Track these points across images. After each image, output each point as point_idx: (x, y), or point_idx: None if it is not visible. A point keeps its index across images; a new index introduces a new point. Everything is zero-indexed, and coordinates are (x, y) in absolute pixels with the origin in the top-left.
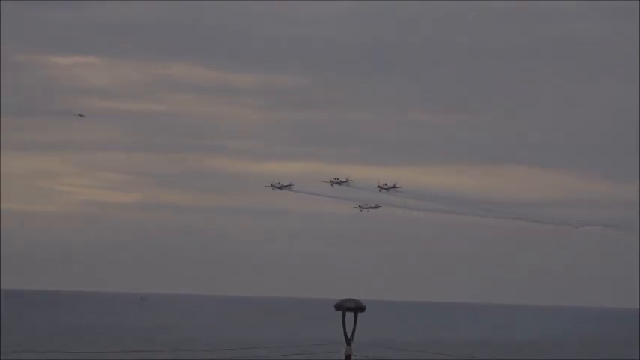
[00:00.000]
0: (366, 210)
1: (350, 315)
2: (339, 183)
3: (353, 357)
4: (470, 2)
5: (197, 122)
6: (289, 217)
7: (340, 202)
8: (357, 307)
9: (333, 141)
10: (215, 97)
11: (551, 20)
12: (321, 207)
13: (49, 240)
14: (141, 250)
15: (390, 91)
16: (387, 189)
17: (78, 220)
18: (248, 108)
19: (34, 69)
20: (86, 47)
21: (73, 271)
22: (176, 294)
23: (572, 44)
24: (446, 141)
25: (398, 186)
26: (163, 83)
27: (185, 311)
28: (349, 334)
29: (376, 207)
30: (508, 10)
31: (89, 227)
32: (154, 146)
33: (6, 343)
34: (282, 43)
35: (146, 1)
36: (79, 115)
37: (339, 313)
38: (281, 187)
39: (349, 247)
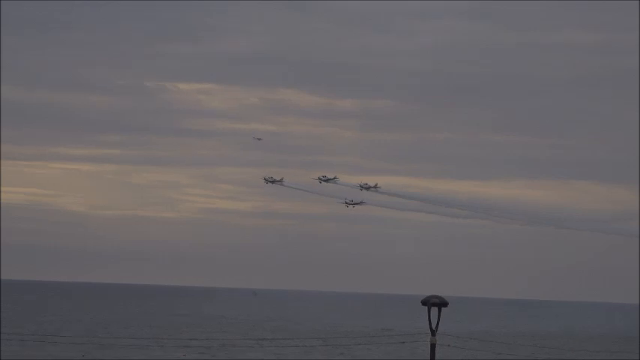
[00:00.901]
0: (351, 206)
1: (434, 310)
2: (327, 180)
3: (437, 345)
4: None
5: (300, 141)
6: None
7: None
8: (441, 303)
9: (417, 158)
10: (316, 119)
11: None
12: (404, 215)
13: (173, 241)
14: (252, 251)
15: (467, 116)
16: (368, 188)
17: (197, 225)
18: (346, 129)
19: (162, 94)
20: (205, 76)
21: (191, 268)
22: (284, 289)
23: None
24: (519, 158)
25: (378, 186)
26: (271, 107)
27: (290, 304)
28: (434, 326)
29: (361, 203)
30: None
31: (207, 231)
32: (263, 161)
33: (159, 331)
34: (377, 74)
35: (256, 37)
36: (258, 139)
37: (426, 308)
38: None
39: (434, 249)
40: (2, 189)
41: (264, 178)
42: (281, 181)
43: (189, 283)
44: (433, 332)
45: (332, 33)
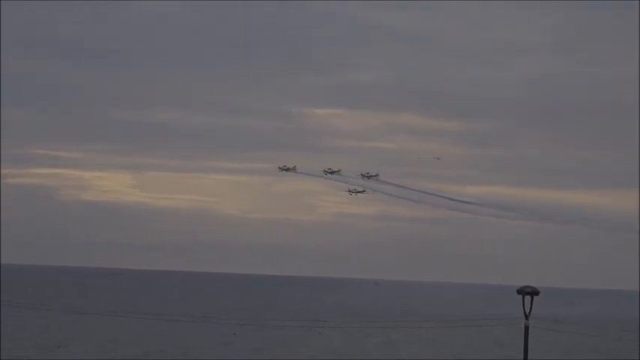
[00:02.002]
0: (354, 194)
1: (527, 298)
2: (332, 172)
3: (530, 328)
4: None
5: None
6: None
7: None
8: (533, 292)
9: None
10: (428, 137)
11: None
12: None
13: (307, 241)
14: (373, 248)
15: (554, 134)
16: (369, 177)
17: (331, 226)
18: (453, 146)
19: (302, 118)
20: (337, 102)
21: (325, 261)
22: (403, 280)
23: None
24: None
25: (377, 175)
26: (392, 128)
27: (407, 293)
28: (527, 312)
29: (363, 191)
30: None
31: (339, 231)
32: (384, 173)
33: (275, 316)
34: (480, 100)
35: (379, 69)
36: (437, 158)
37: (520, 296)
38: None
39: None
40: (176, 196)
41: (279, 167)
42: (294, 168)
43: (329, 274)
44: (527, 317)
45: (445, 65)
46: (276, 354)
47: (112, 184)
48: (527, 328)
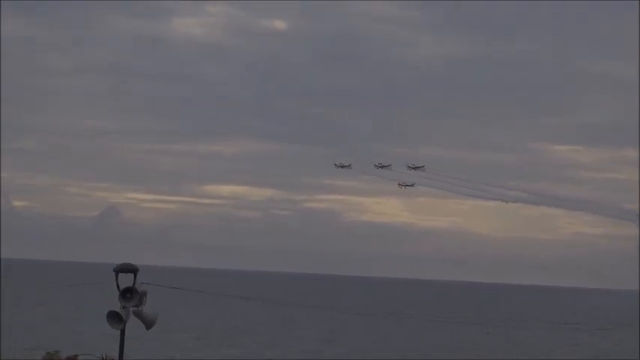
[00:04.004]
0: (404, 187)
1: None
2: (382, 167)
3: None
4: None
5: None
6: None
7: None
8: None
9: None
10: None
11: None
12: None
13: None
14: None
15: None
16: (415, 168)
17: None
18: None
19: (542, 153)
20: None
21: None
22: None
23: None
24: None
25: (423, 166)
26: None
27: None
28: None
29: (413, 185)
30: None
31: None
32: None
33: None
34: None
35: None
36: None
37: None
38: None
39: None
40: (438, 218)
41: (335, 164)
42: (349, 166)
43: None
44: None
45: None
46: None
47: (386, 208)
48: None
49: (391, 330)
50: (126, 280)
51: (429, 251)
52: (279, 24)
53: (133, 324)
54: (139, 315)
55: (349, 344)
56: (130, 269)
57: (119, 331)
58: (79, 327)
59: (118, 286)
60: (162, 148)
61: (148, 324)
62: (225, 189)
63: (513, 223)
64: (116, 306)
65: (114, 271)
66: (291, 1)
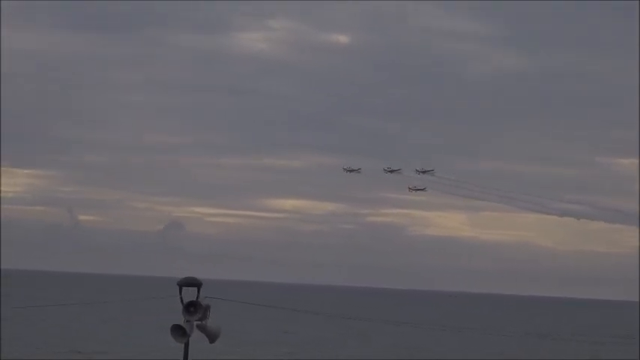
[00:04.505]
0: (414, 191)
1: None
2: (392, 171)
3: None
4: None
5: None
6: None
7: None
8: None
9: None
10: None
11: None
12: None
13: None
14: None
15: None
16: (424, 172)
17: None
18: None
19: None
20: None
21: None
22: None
23: None
24: None
25: (432, 170)
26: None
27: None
28: None
29: (424, 189)
30: None
31: None
32: None
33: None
34: None
35: None
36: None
37: None
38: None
39: None
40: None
41: (344, 169)
42: (358, 170)
43: None
44: None
45: None
46: None
47: (450, 222)
48: None
49: (456, 344)
50: (189, 294)
51: (493, 265)
52: (342, 38)
53: (196, 338)
54: (202, 329)
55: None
56: (194, 283)
57: (183, 345)
58: (143, 340)
59: (181, 300)
60: (226, 163)
61: (212, 337)
62: (288, 203)
63: (577, 236)
64: (180, 320)
65: (177, 285)
66: (353, 16)
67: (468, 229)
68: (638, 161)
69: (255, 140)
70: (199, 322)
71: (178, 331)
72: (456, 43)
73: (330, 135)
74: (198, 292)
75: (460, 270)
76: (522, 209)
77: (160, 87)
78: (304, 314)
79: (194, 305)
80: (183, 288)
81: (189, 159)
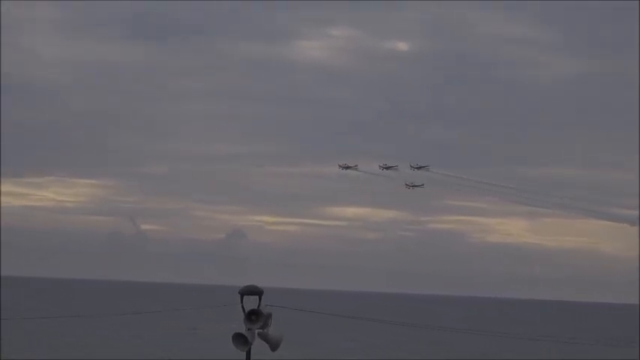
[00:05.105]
0: (412, 187)
1: None
2: (388, 168)
3: None
4: None
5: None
6: None
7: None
8: None
9: None
10: None
11: None
12: None
13: None
14: None
15: None
16: (419, 168)
17: None
18: None
19: None
20: None
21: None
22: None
23: None
24: None
25: (427, 166)
26: None
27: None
28: None
29: (422, 185)
30: None
31: None
32: None
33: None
34: None
35: None
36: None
37: None
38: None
39: None
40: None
41: (339, 165)
42: (356, 167)
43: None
44: None
45: None
46: None
47: (511, 229)
48: None
49: (532, 352)
50: (251, 302)
51: (556, 272)
52: (402, 45)
53: (258, 346)
54: (264, 337)
55: None
56: (255, 291)
57: (245, 353)
58: (205, 349)
59: (243, 309)
60: (286, 171)
61: (274, 346)
62: (349, 211)
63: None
64: (241, 328)
65: (239, 293)
66: (415, 23)
67: (530, 235)
68: None
69: (315, 148)
70: (261, 331)
71: (240, 340)
72: (517, 49)
73: (390, 143)
74: (260, 300)
75: (524, 277)
76: (586, 216)
77: (220, 96)
78: (367, 322)
79: (255, 313)
80: (245, 296)
81: (249, 168)
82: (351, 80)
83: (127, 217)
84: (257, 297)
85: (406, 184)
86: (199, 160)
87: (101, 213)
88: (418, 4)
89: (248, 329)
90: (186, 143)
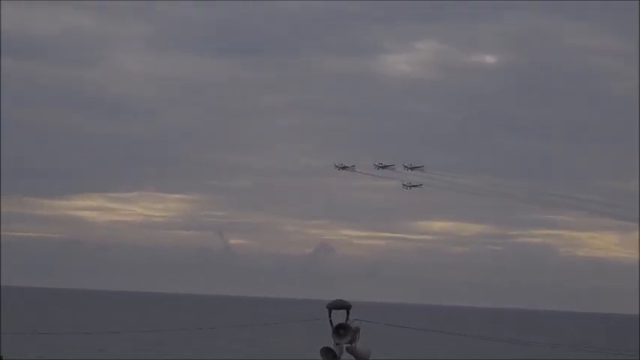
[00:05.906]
0: (409, 188)
1: None
2: (384, 167)
3: None
4: None
5: None
6: None
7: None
8: None
9: None
10: None
11: None
12: None
13: None
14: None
15: None
16: (412, 168)
17: None
18: None
19: None
20: None
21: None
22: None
23: None
24: None
25: (422, 166)
26: None
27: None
28: None
29: (421, 185)
30: None
31: None
32: None
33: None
34: None
35: None
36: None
37: None
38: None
39: None
40: None
41: (335, 165)
42: (353, 167)
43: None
44: None
45: None
46: None
47: (602, 243)
48: None
49: None
50: (339, 316)
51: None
52: (489, 59)
53: None
54: (352, 351)
55: None
56: (343, 306)
57: None
58: None
59: (331, 323)
60: (373, 185)
61: None
62: (437, 225)
63: None
64: (329, 342)
65: (327, 307)
66: (500, 36)
67: (621, 249)
68: None
69: (400, 162)
70: (349, 345)
71: (328, 354)
72: (602, 60)
73: (477, 156)
74: (348, 314)
75: (616, 292)
76: None
77: (306, 110)
78: (456, 337)
79: (344, 328)
80: (333, 310)
81: (336, 182)
82: (437, 93)
83: (215, 231)
84: (345, 311)
85: (403, 184)
86: (286, 175)
87: (190, 228)
88: (502, 17)
89: (336, 344)
90: (272, 158)
